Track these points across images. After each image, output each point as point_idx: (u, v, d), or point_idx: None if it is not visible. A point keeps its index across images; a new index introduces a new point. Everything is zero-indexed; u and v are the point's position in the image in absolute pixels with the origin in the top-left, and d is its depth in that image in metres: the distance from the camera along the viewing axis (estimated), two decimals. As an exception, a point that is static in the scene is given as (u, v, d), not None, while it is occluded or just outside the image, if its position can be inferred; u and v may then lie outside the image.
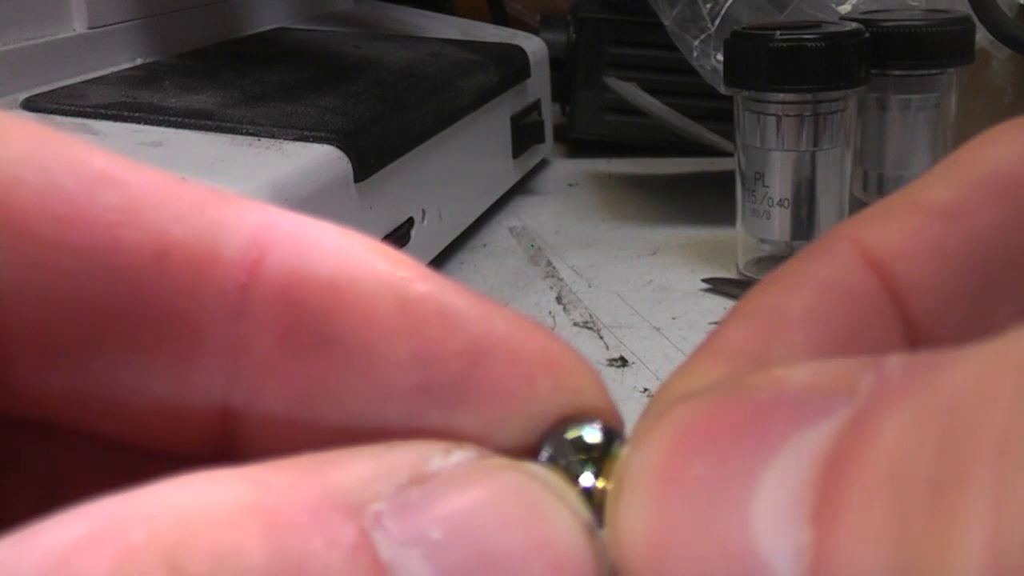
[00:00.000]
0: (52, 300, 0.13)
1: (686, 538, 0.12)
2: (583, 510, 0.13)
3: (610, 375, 0.49)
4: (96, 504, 0.11)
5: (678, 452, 0.12)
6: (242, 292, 0.13)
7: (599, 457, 0.13)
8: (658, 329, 0.54)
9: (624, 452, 0.13)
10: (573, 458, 0.13)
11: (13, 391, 0.13)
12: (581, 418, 0.14)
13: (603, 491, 0.13)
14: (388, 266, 0.14)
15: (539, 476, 0.13)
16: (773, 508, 0.11)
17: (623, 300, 0.58)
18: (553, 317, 0.56)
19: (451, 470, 0.12)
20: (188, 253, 0.13)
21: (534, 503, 0.12)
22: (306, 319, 0.13)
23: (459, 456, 0.13)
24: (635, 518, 0.12)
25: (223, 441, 0.14)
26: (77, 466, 0.16)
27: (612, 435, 0.14)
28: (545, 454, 0.14)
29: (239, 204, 0.14)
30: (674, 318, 0.55)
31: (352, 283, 0.13)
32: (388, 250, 0.14)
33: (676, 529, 0.12)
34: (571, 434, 0.14)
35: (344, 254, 0.13)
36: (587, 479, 0.13)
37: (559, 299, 0.58)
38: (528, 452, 0.14)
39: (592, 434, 0.14)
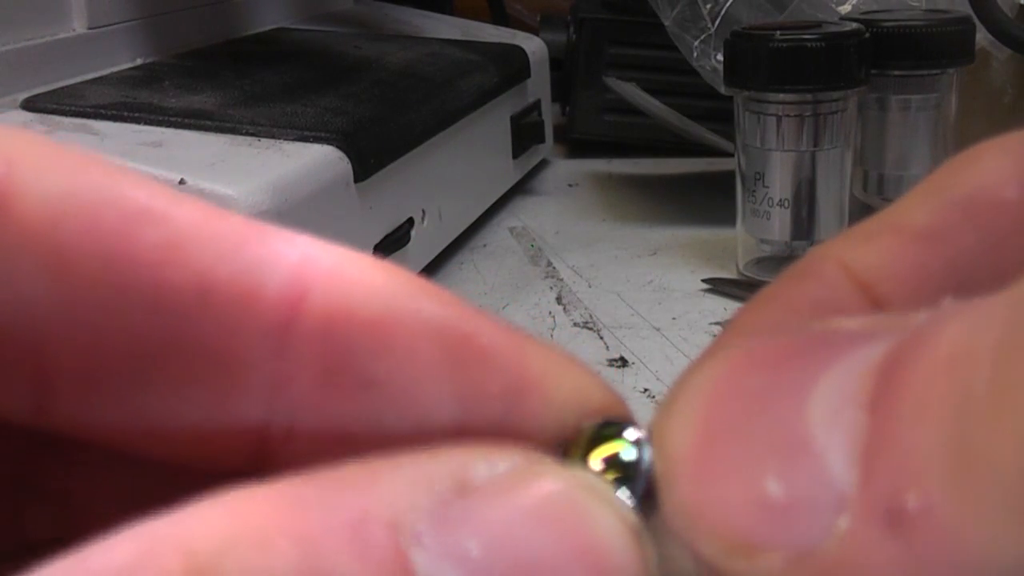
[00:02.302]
0: (94, 333, 0.13)
1: (735, 437, 0.12)
2: (629, 514, 0.12)
3: (610, 375, 0.49)
4: (141, 527, 0.11)
5: (732, 370, 0.12)
6: (284, 330, 0.13)
7: (636, 461, 0.13)
8: (658, 329, 0.54)
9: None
10: (609, 463, 0.13)
11: (53, 412, 0.14)
12: (601, 422, 0.14)
13: (646, 494, 0.13)
14: (430, 305, 0.14)
15: (584, 481, 0.13)
16: (828, 405, 0.11)
17: (623, 300, 0.58)
18: (553, 317, 0.56)
19: (494, 479, 0.12)
20: (231, 291, 0.13)
21: (578, 510, 0.12)
22: (348, 359, 0.13)
23: (503, 464, 0.12)
24: (683, 424, 0.12)
25: (256, 462, 0.14)
26: (94, 487, 0.16)
27: (643, 441, 0.14)
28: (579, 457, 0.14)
29: (280, 239, 0.14)
30: (674, 318, 0.55)
31: (394, 324, 0.13)
32: (429, 286, 0.14)
33: (725, 430, 0.12)
34: (601, 441, 0.14)
35: (386, 293, 0.13)
36: (627, 481, 0.13)
37: (559, 299, 0.58)
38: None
39: (628, 434, 0.13)
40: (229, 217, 0.13)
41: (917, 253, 0.15)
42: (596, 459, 0.13)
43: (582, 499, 0.12)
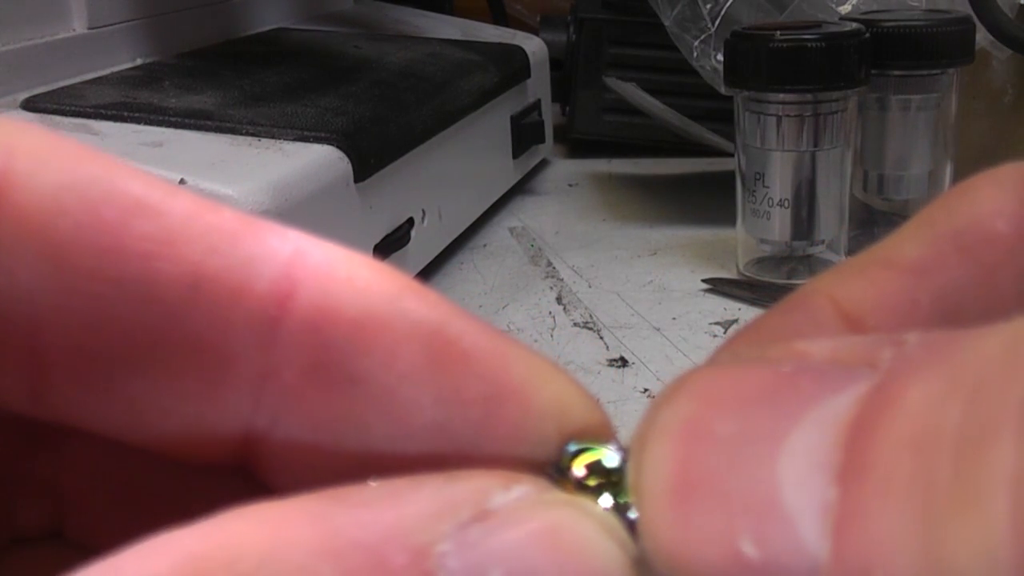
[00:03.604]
0: (88, 323, 0.13)
1: (709, 489, 0.12)
2: (631, 544, 0.13)
3: (610, 375, 0.49)
4: (170, 538, 0.11)
5: (703, 410, 0.13)
6: (272, 324, 0.13)
7: (618, 479, 0.14)
8: (658, 329, 0.54)
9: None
10: (592, 481, 0.14)
11: (47, 399, 0.14)
12: (585, 440, 0.14)
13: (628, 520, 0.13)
14: (416, 306, 0.14)
15: (592, 512, 0.13)
16: (799, 467, 0.12)
17: (623, 300, 0.58)
18: (553, 317, 0.56)
19: (511, 506, 0.13)
20: (221, 285, 0.13)
21: (588, 541, 0.12)
22: (333, 355, 0.13)
23: (518, 492, 0.13)
24: (659, 468, 0.13)
25: (243, 455, 0.14)
26: (85, 481, 0.16)
27: (623, 453, 0.14)
28: (554, 469, 0.14)
29: (272, 234, 0.14)
30: (674, 318, 0.55)
31: (380, 324, 0.14)
32: (418, 288, 0.14)
33: (699, 483, 0.12)
34: (584, 457, 0.14)
35: (373, 292, 0.14)
36: (607, 500, 0.13)
37: (559, 299, 0.58)
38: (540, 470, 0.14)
39: (610, 458, 0.14)
40: (222, 211, 0.14)
41: (906, 287, 0.15)
42: (582, 472, 0.14)
43: (591, 529, 0.13)
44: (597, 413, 0.15)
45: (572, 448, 0.14)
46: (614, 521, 0.13)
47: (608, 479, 0.14)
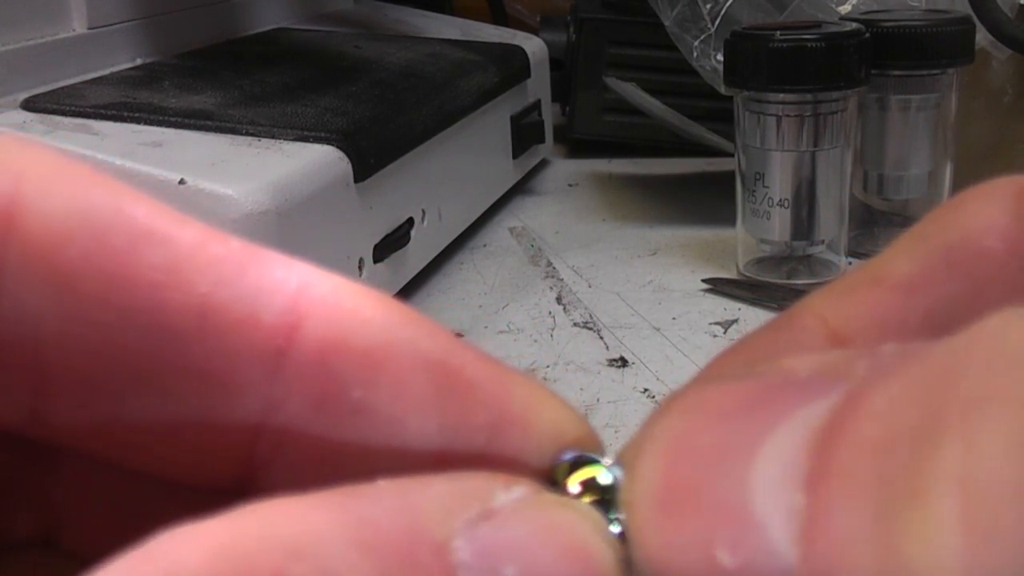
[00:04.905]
0: (92, 349, 0.13)
1: (690, 501, 0.13)
2: (619, 546, 0.13)
3: (610, 375, 0.49)
4: (199, 529, 0.12)
5: (687, 424, 0.13)
6: (278, 356, 0.14)
7: (610, 496, 0.14)
8: (658, 329, 0.54)
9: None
10: (590, 495, 0.14)
11: (47, 421, 0.14)
12: (577, 453, 0.15)
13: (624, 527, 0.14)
14: (420, 337, 0.14)
15: (586, 513, 0.13)
16: (769, 475, 0.12)
17: (623, 300, 0.58)
18: (553, 317, 0.56)
19: (514, 506, 0.13)
20: (228, 316, 0.13)
21: (588, 538, 0.13)
22: (339, 387, 0.14)
23: (518, 492, 0.13)
24: (647, 480, 0.13)
25: (245, 480, 0.14)
26: (79, 492, 0.16)
27: (611, 464, 0.14)
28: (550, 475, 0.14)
29: (278, 265, 0.14)
30: (674, 318, 0.55)
31: (385, 355, 0.14)
32: (420, 319, 0.14)
33: (680, 492, 0.13)
34: (578, 474, 0.14)
35: (379, 323, 0.14)
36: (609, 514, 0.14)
37: (559, 299, 0.58)
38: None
39: (603, 475, 0.14)
40: (229, 241, 0.14)
41: (896, 304, 0.15)
42: (577, 488, 0.14)
43: (588, 528, 0.13)
44: (591, 434, 0.15)
45: (566, 457, 0.14)
46: (604, 522, 0.13)
47: (601, 496, 0.14)
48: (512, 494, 0.13)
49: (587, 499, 0.14)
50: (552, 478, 0.14)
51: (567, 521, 0.13)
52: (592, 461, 0.14)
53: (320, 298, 0.14)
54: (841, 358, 0.13)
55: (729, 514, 0.12)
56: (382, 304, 0.14)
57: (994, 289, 0.15)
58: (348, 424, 0.14)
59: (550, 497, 0.14)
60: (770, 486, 0.12)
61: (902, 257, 0.15)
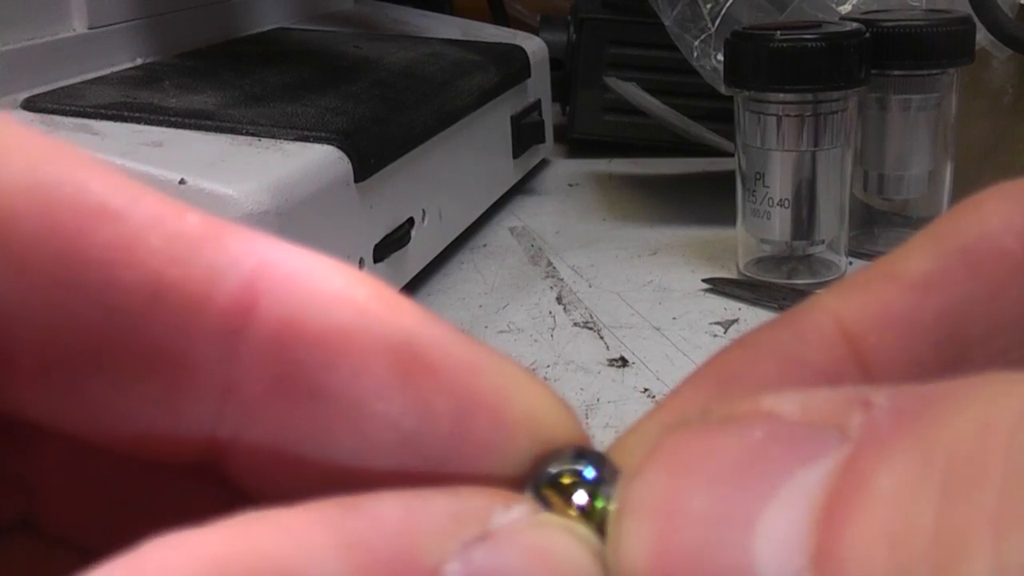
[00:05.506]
0: (48, 326, 0.13)
1: (689, 568, 0.12)
2: (616, 569, 0.13)
3: (610, 375, 0.49)
4: (191, 538, 0.11)
5: (675, 485, 0.13)
6: (234, 336, 0.13)
7: (592, 509, 0.14)
8: (658, 329, 0.54)
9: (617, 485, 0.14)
10: (570, 498, 0.14)
11: (10, 396, 0.14)
12: (562, 452, 0.14)
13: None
14: (384, 317, 0.14)
15: (584, 537, 0.13)
16: (774, 549, 0.12)
17: (623, 300, 0.58)
18: (553, 317, 0.56)
19: (511, 527, 0.13)
20: (182, 295, 0.13)
21: (581, 566, 0.13)
22: (297, 370, 0.13)
23: (517, 512, 0.13)
24: (637, 546, 0.13)
25: (211, 458, 0.14)
26: (56, 473, 0.16)
27: (600, 470, 0.14)
28: (536, 488, 0.14)
29: (237, 241, 0.14)
30: (674, 318, 0.55)
31: (345, 337, 0.13)
32: (387, 296, 0.14)
33: (678, 559, 0.12)
34: (563, 475, 0.14)
35: (340, 303, 0.13)
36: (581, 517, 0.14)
37: (559, 299, 0.58)
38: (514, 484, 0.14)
39: (586, 471, 0.14)
40: (187, 215, 0.14)
41: (910, 303, 0.15)
42: (562, 501, 0.14)
43: (583, 553, 0.13)
44: (571, 423, 0.15)
45: (550, 470, 0.14)
46: (600, 545, 0.13)
47: (584, 509, 0.14)
48: (511, 514, 0.13)
49: (572, 512, 0.14)
50: (536, 487, 0.14)
51: (562, 548, 0.13)
52: (573, 471, 0.14)
53: (279, 277, 0.13)
54: (829, 403, 0.13)
55: None
56: (347, 281, 0.14)
57: (1010, 292, 0.14)
58: (307, 409, 0.13)
59: (548, 519, 0.13)
60: (776, 561, 0.12)
61: (918, 255, 0.15)
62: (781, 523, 0.12)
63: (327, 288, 0.14)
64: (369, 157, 0.51)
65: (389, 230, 0.54)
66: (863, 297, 0.15)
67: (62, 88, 0.52)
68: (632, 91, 0.73)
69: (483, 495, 0.13)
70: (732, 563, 0.12)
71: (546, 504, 0.14)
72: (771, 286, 0.59)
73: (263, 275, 0.13)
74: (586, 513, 0.14)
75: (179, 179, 0.44)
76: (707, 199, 0.72)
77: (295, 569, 0.11)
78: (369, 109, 0.54)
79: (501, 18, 0.91)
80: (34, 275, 0.13)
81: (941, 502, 0.11)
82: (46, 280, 0.13)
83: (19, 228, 0.13)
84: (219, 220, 0.14)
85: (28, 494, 0.16)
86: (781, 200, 0.57)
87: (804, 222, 0.58)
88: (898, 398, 0.12)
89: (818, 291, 0.16)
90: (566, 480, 0.14)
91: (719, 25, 0.63)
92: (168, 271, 0.13)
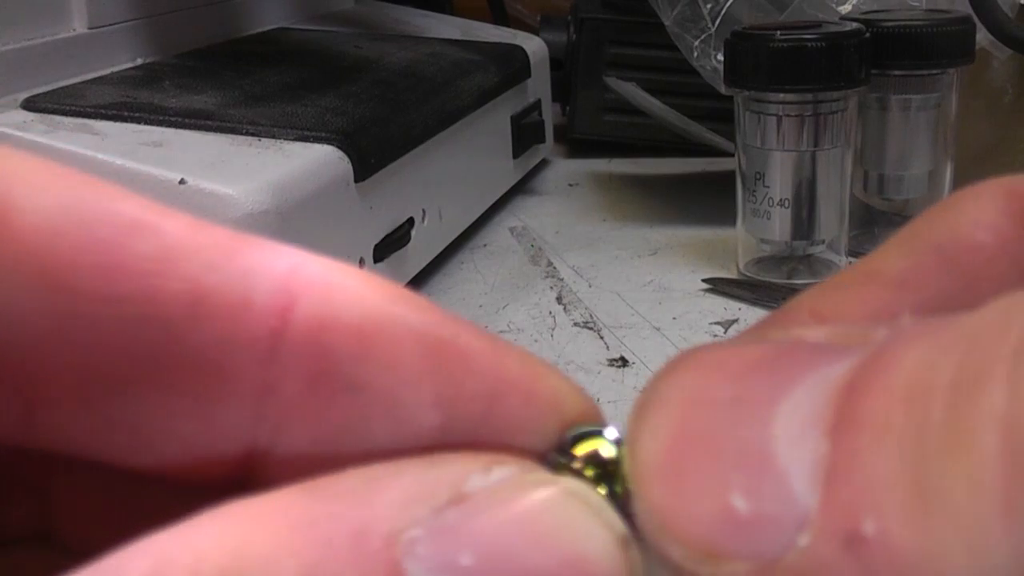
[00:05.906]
0: (86, 346, 0.13)
1: (703, 449, 0.12)
2: (619, 524, 0.13)
3: (610, 375, 0.49)
4: (150, 542, 0.12)
5: (702, 379, 0.13)
6: (273, 337, 0.14)
7: (616, 463, 0.14)
8: (658, 329, 0.54)
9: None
10: (592, 467, 0.14)
11: (40, 427, 0.14)
12: (583, 428, 0.14)
13: (628, 498, 0.13)
14: (411, 312, 0.14)
15: (576, 491, 0.13)
16: (792, 426, 0.12)
17: (623, 300, 0.58)
18: (553, 317, 0.56)
19: (489, 489, 0.13)
20: (221, 300, 0.13)
21: (569, 521, 0.13)
22: (334, 364, 0.14)
23: (498, 473, 0.13)
24: (654, 432, 0.13)
25: (243, 473, 0.14)
26: (75, 486, 0.16)
27: (620, 440, 0.14)
28: (560, 461, 0.14)
29: (268, 249, 0.14)
30: (674, 318, 0.55)
31: (377, 330, 0.14)
32: (410, 295, 0.14)
33: (694, 441, 0.12)
34: (582, 446, 0.14)
35: (370, 301, 0.14)
36: (608, 486, 0.14)
37: (559, 299, 0.58)
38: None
39: (607, 448, 0.14)
40: (217, 229, 0.14)
41: (888, 299, 0.15)
42: (580, 461, 0.14)
43: (572, 509, 0.13)
44: (591, 404, 0.15)
45: (571, 434, 0.14)
46: (604, 504, 0.13)
47: (605, 468, 0.14)
48: (492, 476, 0.13)
49: (590, 472, 0.14)
50: (556, 455, 0.14)
51: (548, 503, 0.13)
52: (595, 434, 0.14)
53: (311, 278, 0.14)
54: (855, 329, 0.13)
55: (748, 460, 0.12)
56: (373, 282, 0.14)
57: (985, 284, 0.15)
58: (345, 404, 0.14)
59: (536, 477, 0.13)
60: (793, 433, 0.12)
61: (894, 253, 0.16)
62: (801, 403, 0.12)
63: (356, 287, 0.14)
64: (369, 157, 0.51)
65: (389, 230, 0.54)
66: (842, 295, 0.16)
67: (62, 88, 0.52)
68: (632, 91, 0.73)
69: (461, 460, 0.13)
70: (749, 439, 0.12)
71: (562, 471, 0.14)
72: (771, 286, 0.59)
73: (295, 277, 0.14)
74: (604, 469, 0.14)
75: (179, 179, 0.44)
76: (707, 199, 0.72)
77: (238, 566, 0.11)
78: (369, 109, 0.54)
79: (501, 18, 0.91)
80: (73, 291, 0.13)
81: (961, 360, 0.11)
82: (85, 295, 0.13)
83: (58, 245, 0.13)
84: (246, 234, 0.14)
85: (46, 507, 0.16)
86: (781, 200, 0.57)
87: (804, 222, 0.58)
88: (924, 319, 0.12)
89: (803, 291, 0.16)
90: (582, 447, 0.14)
91: (719, 25, 0.63)
92: (206, 278, 0.13)
